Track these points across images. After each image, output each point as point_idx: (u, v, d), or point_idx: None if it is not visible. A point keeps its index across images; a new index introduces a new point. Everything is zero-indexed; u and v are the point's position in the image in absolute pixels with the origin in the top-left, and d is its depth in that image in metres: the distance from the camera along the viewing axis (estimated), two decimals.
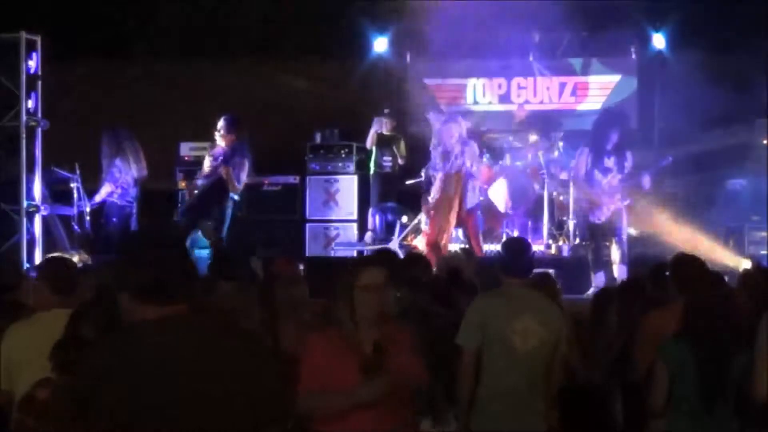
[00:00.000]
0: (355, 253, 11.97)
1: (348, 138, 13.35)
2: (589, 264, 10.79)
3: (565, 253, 11.43)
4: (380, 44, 13.55)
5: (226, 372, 2.85)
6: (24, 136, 9.88)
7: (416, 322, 4.88)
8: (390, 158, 12.70)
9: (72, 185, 10.93)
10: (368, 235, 12.51)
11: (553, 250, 11.51)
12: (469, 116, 12.33)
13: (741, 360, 4.75)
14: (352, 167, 13.18)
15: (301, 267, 8.39)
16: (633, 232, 10.92)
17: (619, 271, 10.78)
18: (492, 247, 11.19)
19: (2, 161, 10.07)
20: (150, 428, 2.75)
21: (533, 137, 12.08)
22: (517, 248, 5.46)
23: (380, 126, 12.67)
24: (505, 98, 13.76)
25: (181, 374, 2.79)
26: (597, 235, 11.02)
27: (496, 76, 13.83)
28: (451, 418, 5.21)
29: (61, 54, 10.47)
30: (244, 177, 10.95)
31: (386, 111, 12.51)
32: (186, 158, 12.70)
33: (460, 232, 11.55)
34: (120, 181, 11.17)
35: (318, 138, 13.47)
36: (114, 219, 11.15)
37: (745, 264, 8.89)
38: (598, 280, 10.57)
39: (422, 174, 12.05)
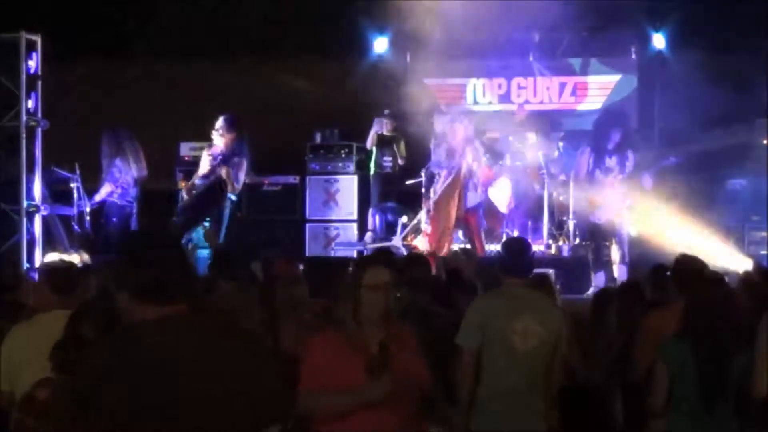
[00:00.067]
0: (355, 253, 11.97)
1: (348, 138, 13.35)
2: (590, 264, 10.80)
3: (565, 253, 11.44)
4: (380, 44, 13.55)
5: (226, 372, 2.85)
6: (24, 136, 9.87)
7: (416, 322, 4.87)
8: (390, 158, 12.70)
9: (72, 185, 10.93)
10: (368, 235, 12.51)
11: (553, 250, 11.51)
12: (469, 116, 12.32)
13: (741, 360, 4.75)
14: (352, 167, 13.18)
15: (301, 267, 8.38)
16: (633, 232, 10.92)
17: (619, 271, 10.78)
18: (492, 247, 11.19)
19: (2, 161, 10.06)
20: (150, 428, 2.75)
21: (533, 137, 12.08)
22: (517, 248, 5.46)
23: (380, 126, 12.68)
24: (505, 98, 13.76)
25: (181, 374, 2.79)
26: (597, 235, 11.03)
27: (496, 76, 13.83)
28: (451, 418, 5.20)
29: (61, 54, 10.46)
30: (242, 177, 10.96)
31: (386, 112, 12.52)
32: (186, 158, 12.69)
33: (460, 232, 11.56)
34: (120, 181, 11.18)
35: (318, 138, 13.47)
36: (114, 219, 11.15)
37: (746, 264, 8.90)
38: (598, 280, 10.58)
39: (422, 174, 12.05)
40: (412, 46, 12.00)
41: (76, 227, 10.92)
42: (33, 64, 9.99)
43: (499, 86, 13.83)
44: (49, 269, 5.25)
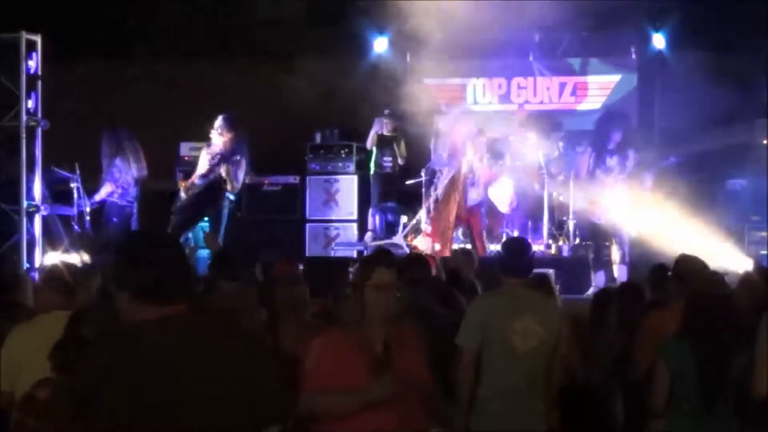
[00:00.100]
0: (355, 253, 11.98)
1: (348, 138, 13.36)
2: (590, 264, 10.80)
3: (565, 253, 11.44)
4: (380, 44, 13.55)
5: (225, 372, 2.85)
6: (24, 136, 9.86)
7: (416, 322, 4.88)
8: (390, 158, 12.71)
9: (72, 185, 10.93)
10: (368, 235, 12.52)
11: (553, 250, 11.51)
12: (470, 115, 12.34)
13: (741, 360, 4.76)
14: (352, 167, 13.18)
15: (301, 267, 8.38)
16: (634, 232, 10.93)
17: (619, 271, 10.79)
18: (492, 247, 11.20)
19: (2, 161, 10.05)
20: (150, 428, 2.75)
21: (533, 137, 12.08)
22: (517, 248, 5.46)
23: (381, 126, 12.69)
24: (505, 98, 13.76)
25: (181, 374, 2.79)
26: (598, 235, 11.03)
27: (496, 76, 13.84)
28: (451, 418, 5.20)
29: (61, 54, 10.46)
30: (242, 176, 10.96)
31: (386, 111, 12.52)
32: (186, 158, 12.70)
33: (460, 232, 11.56)
34: (120, 181, 11.18)
35: (318, 138, 13.48)
36: (114, 219, 11.16)
37: (746, 264, 8.89)
38: (598, 280, 10.58)
39: (422, 174, 12.06)
40: (412, 46, 11.99)
41: (76, 227, 10.92)
42: (33, 64, 9.98)
43: (499, 86, 13.83)
44: (49, 270, 5.25)
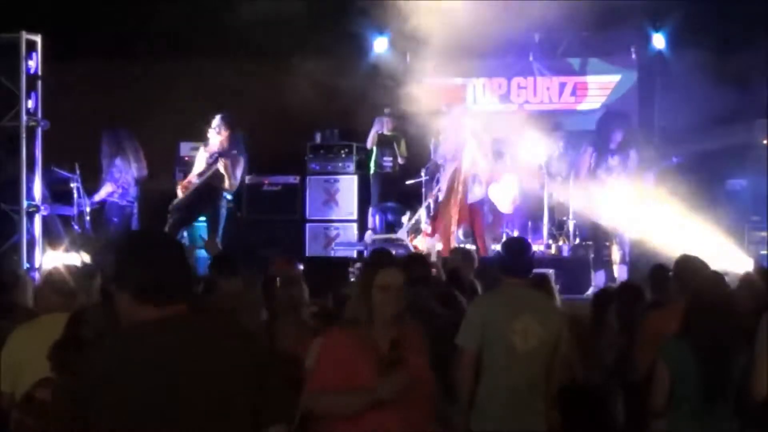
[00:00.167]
0: (355, 253, 11.99)
1: (348, 138, 13.36)
2: (590, 264, 10.80)
3: (565, 253, 11.44)
4: (380, 44, 13.54)
5: (225, 372, 2.84)
6: (24, 136, 9.85)
7: (416, 321, 4.87)
8: (390, 158, 12.72)
9: (72, 185, 10.93)
10: (368, 235, 12.52)
11: (553, 250, 11.52)
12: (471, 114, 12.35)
13: (741, 360, 4.75)
14: (352, 167, 13.19)
15: (301, 267, 8.39)
16: (634, 232, 10.92)
17: (619, 271, 10.78)
18: (492, 247, 11.20)
19: (2, 161, 10.04)
20: (150, 429, 2.75)
21: (533, 137, 12.08)
22: (517, 248, 5.46)
23: (381, 126, 12.70)
24: (505, 98, 13.77)
25: (181, 374, 2.79)
26: (598, 234, 11.03)
27: (496, 76, 13.84)
28: (451, 418, 5.20)
29: (61, 54, 10.45)
30: (240, 173, 10.94)
31: (387, 111, 12.53)
32: (186, 158, 12.69)
33: (461, 232, 11.56)
34: (120, 181, 11.18)
35: (318, 138, 13.48)
36: (114, 219, 11.16)
37: (746, 264, 8.89)
38: (598, 280, 10.58)
39: (422, 174, 12.08)
40: (412, 46, 11.98)
41: (76, 227, 10.92)
42: (33, 64, 9.97)
43: (499, 86, 13.84)
44: (50, 271, 5.24)
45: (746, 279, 6.19)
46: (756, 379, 4.68)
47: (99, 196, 11.20)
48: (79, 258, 9.20)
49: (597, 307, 6.37)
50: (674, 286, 5.65)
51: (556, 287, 7.25)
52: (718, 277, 5.26)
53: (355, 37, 13.06)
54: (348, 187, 13.13)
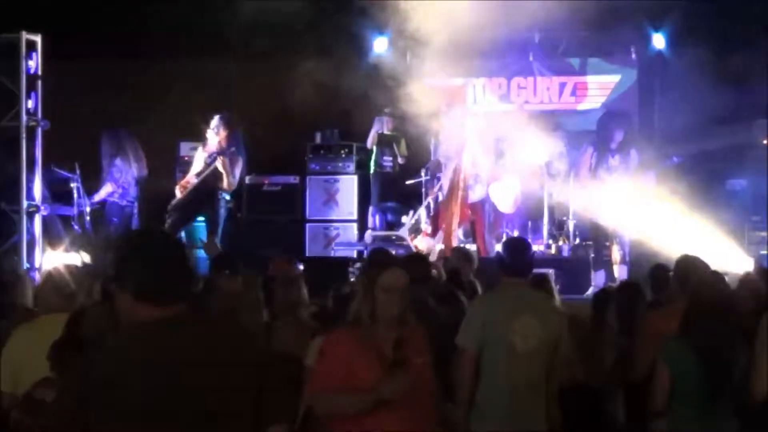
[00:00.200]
0: (355, 254, 11.98)
1: (348, 138, 13.36)
2: (590, 264, 10.79)
3: (565, 253, 11.44)
4: (380, 44, 13.54)
5: (225, 372, 2.84)
6: (24, 136, 9.85)
7: (416, 321, 4.87)
8: (390, 158, 12.72)
9: (72, 185, 10.93)
10: (368, 235, 12.52)
11: (553, 250, 11.51)
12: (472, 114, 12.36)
13: (741, 360, 4.76)
14: (352, 167, 13.19)
15: (301, 267, 8.38)
16: (635, 232, 10.91)
17: (619, 271, 10.77)
18: (493, 247, 11.20)
19: (2, 161, 10.05)
20: (150, 428, 2.75)
21: (533, 137, 12.07)
22: (517, 248, 5.46)
23: (381, 126, 12.70)
24: (505, 98, 13.76)
25: (181, 374, 2.79)
26: (599, 234, 11.02)
27: (496, 76, 13.84)
28: (451, 418, 5.20)
29: (61, 54, 10.45)
30: (238, 173, 10.92)
31: (387, 111, 12.52)
32: (186, 158, 12.68)
33: (460, 232, 11.56)
34: (120, 181, 11.19)
35: (318, 138, 13.48)
36: (114, 219, 11.17)
37: (746, 264, 8.89)
38: (598, 279, 10.57)
39: (422, 174, 12.07)
40: (412, 46, 11.98)
41: (76, 227, 10.92)
42: (33, 64, 9.97)
43: (499, 86, 13.83)
44: (50, 271, 5.25)
45: (746, 279, 6.19)
46: (756, 379, 4.69)
47: (99, 196, 11.20)
48: (79, 258, 9.21)
49: (597, 307, 6.37)
50: (674, 286, 5.65)
51: (556, 287, 7.25)
52: (718, 277, 5.27)
53: (355, 37, 13.05)
54: (348, 187, 13.13)
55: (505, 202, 11.64)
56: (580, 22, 11.93)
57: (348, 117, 12.79)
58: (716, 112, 11.36)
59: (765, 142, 11.85)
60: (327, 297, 6.40)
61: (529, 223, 12.01)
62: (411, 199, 12.41)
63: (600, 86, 13.63)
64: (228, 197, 10.90)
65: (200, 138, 11.16)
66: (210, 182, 10.70)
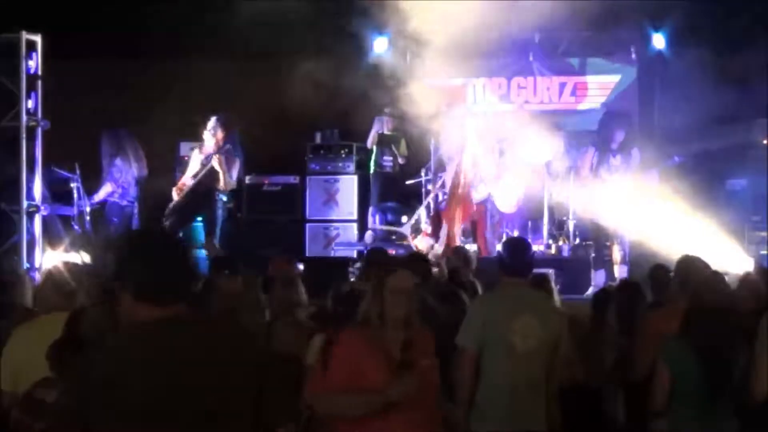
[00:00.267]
0: (355, 254, 11.98)
1: (348, 138, 13.36)
2: (590, 264, 10.79)
3: (565, 253, 11.44)
4: (380, 44, 13.53)
5: (225, 372, 2.84)
6: (24, 136, 9.85)
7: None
8: (390, 158, 12.72)
9: (72, 185, 10.93)
10: (368, 235, 12.52)
11: (553, 250, 11.51)
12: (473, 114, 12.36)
13: (741, 360, 4.76)
14: (352, 167, 13.19)
15: (301, 267, 8.38)
16: (635, 232, 10.91)
17: (620, 271, 10.77)
18: (495, 247, 11.20)
19: (2, 161, 10.04)
20: (150, 429, 2.75)
21: (533, 137, 12.07)
22: (517, 248, 5.46)
23: (381, 126, 12.70)
24: (505, 98, 13.76)
25: (181, 374, 2.79)
26: (599, 234, 11.02)
27: (496, 76, 13.84)
28: (451, 418, 5.20)
29: (61, 54, 10.45)
30: (235, 172, 10.91)
31: (387, 111, 12.52)
32: (186, 158, 12.67)
33: (461, 232, 11.56)
34: (120, 181, 11.19)
35: (318, 138, 13.48)
36: (115, 219, 11.16)
37: (746, 264, 8.89)
38: (598, 279, 10.57)
39: (422, 174, 12.07)
40: (412, 46, 11.98)
41: (76, 227, 10.91)
42: (33, 64, 9.97)
43: (499, 86, 13.83)
44: (50, 270, 5.24)
45: (746, 279, 6.18)
46: (756, 379, 4.69)
47: (99, 197, 11.20)
48: (79, 258, 9.20)
49: (597, 307, 6.37)
50: (674, 286, 5.65)
51: (556, 287, 7.25)
52: (718, 278, 5.27)
53: (355, 37, 13.05)
54: (348, 187, 13.13)
55: (507, 201, 11.64)
56: (581, 22, 11.93)
57: (348, 117, 12.79)
58: (716, 111, 11.36)
59: (765, 142, 11.85)
60: (327, 297, 6.41)
61: (529, 223, 12.01)
62: (411, 199, 12.41)
63: (600, 86, 13.63)
64: (225, 198, 10.88)
65: (200, 138, 11.16)
66: (206, 183, 10.68)
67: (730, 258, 9.69)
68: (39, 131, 10.04)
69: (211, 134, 10.71)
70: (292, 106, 11.76)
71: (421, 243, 11.44)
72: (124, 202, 11.24)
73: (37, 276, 8.74)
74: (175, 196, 10.86)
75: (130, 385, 2.74)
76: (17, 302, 5.75)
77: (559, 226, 11.88)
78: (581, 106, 13.68)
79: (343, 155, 13.21)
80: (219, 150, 10.63)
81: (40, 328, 4.55)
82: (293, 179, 13.19)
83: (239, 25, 11.72)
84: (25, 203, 9.87)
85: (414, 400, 4.02)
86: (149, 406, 2.74)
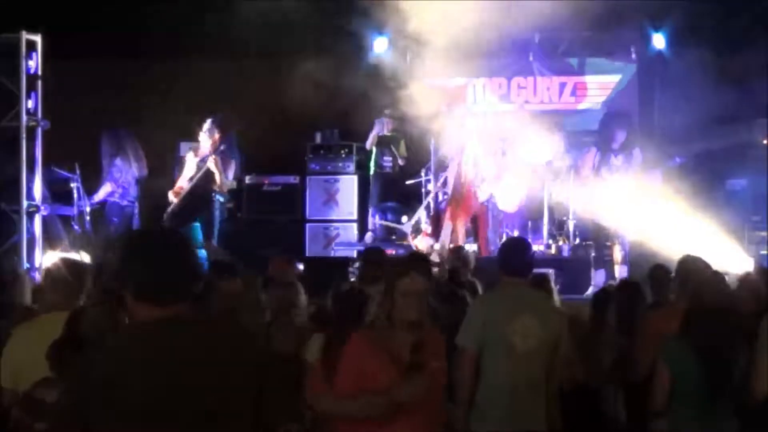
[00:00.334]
0: (355, 254, 11.98)
1: (348, 138, 13.36)
2: (590, 264, 10.79)
3: (565, 253, 11.44)
4: (380, 44, 13.53)
5: (226, 372, 2.84)
6: (24, 136, 9.86)
7: None
8: (390, 158, 12.72)
9: (72, 185, 10.93)
10: (368, 235, 12.52)
11: (553, 250, 11.51)
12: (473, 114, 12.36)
13: (741, 360, 4.75)
14: (352, 167, 13.19)
15: (301, 267, 8.38)
16: (636, 232, 10.90)
17: (620, 272, 10.77)
18: (496, 246, 11.20)
19: (2, 161, 10.04)
20: (150, 429, 2.75)
21: (533, 137, 12.08)
22: (517, 248, 5.46)
23: (381, 128, 12.70)
24: (505, 98, 13.76)
25: (181, 374, 2.79)
26: (600, 234, 11.02)
27: (496, 76, 13.84)
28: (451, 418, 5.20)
29: (61, 54, 10.45)
30: (231, 174, 10.89)
31: (387, 111, 12.52)
32: (186, 158, 12.69)
33: (461, 231, 11.56)
34: (120, 181, 11.19)
35: (318, 138, 13.49)
36: (115, 219, 11.17)
37: (746, 264, 8.89)
38: (598, 279, 10.57)
39: (422, 174, 12.07)
40: (412, 46, 11.98)
41: (76, 227, 10.91)
42: (33, 64, 9.97)
43: (500, 86, 13.84)
44: (50, 268, 5.24)
45: (746, 279, 6.19)
46: (756, 379, 4.69)
47: (99, 196, 11.20)
48: (79, 258, 9.20)
49: (597, 307, 6.37)
50: (675, 286, 5.65)
51: (556, 287, 7.25)
52: (718, 278, 5.27)
53: (355, 37, 13.05)
54: (348, 187, 13.14)
55: (508, 201, 11.65)
56: (581, 22, 11.93)
57: (348, 117, 12.79)
58: (717, 111, 11.36)
59: (765, 141, 11.85)
60: (327, 297, 6.40)
61: (529, 223, 12.01)
62: (411, 199, 12.41)
63: (600, 86, 13.64)
64: (223, 199, 10.86)
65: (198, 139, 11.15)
66: (203, 185, 10.65)
67: (730, 258, 9.69)
68: (39, 131, 10.04)
69: (208, 136, 10.69)
70: (292, 106, 11.76)
71: (421, 243, 11.44)
72: (124, 202, 11.24)
73: (37, 276, 8.74)
74: (173, 199, 10.83)
75: (130, 385, 2.74)
76: (17, 302, 5.76)
77: (559, 226, 11.89)
78: (581, 106, 13.69)
79: (343, 155, 13.22)
80: (215, 151, 10.61)
81: (40, 327, 4.55)
82: (293, 179, 13.19)
83: (239, 25, 11.72)
84: (25, 203, 9.87)
85: (422, 401, 4.03)
86: (149, 406, 2.74)
